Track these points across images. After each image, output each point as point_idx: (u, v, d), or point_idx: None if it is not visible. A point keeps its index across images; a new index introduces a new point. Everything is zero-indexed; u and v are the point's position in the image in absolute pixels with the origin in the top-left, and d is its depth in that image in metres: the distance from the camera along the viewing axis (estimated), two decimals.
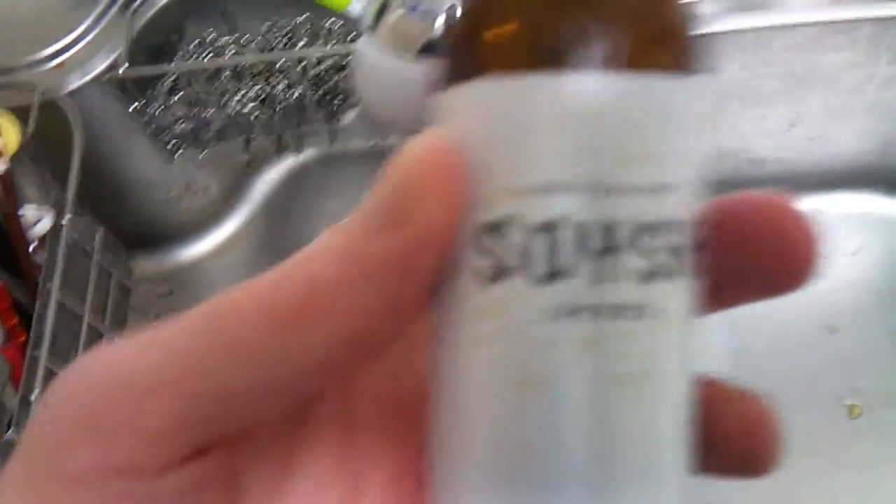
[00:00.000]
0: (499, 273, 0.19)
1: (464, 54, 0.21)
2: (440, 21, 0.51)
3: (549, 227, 0.19)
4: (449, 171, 0.19)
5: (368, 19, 0.49)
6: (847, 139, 0.79)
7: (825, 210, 0.83)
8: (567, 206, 0.19)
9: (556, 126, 0.19)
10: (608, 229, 0.19)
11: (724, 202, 0.21)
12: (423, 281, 0.19)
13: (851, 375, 0.74)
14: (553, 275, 0.19)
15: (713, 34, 0.70)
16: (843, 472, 0.70)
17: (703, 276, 0.21)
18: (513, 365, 0.20)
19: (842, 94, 0.75)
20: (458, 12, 0.22)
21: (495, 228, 0.19)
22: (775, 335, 0.77)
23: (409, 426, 0.23)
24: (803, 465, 0.70)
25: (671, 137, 0.20)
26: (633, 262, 0.19)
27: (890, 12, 0.67)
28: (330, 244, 0.19)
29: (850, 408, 0.72)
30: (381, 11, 0.48)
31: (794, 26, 0.69)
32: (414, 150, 0.19)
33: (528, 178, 0.19)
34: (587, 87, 0.19)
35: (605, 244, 0.19)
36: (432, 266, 0.19)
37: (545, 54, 0.19)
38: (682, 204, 0.20)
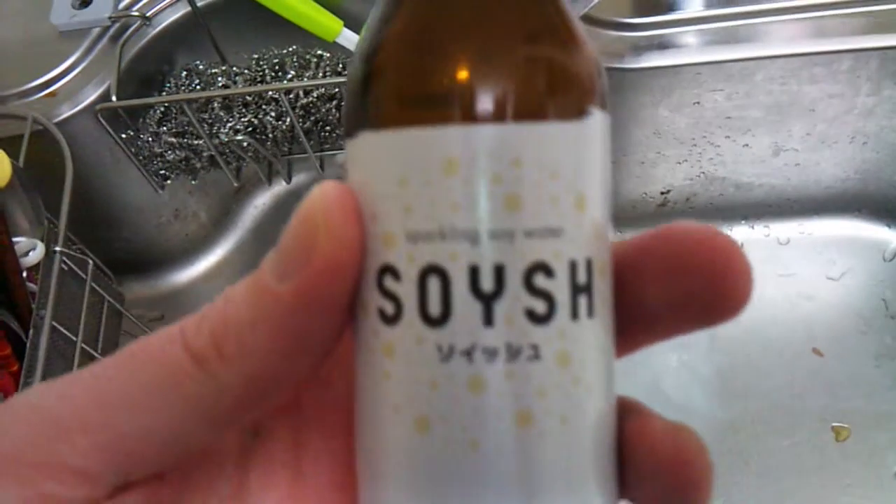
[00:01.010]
0: (397, 314, 0.20)
1: (354, 107, 0.22)
2: None
3: (440, 271, 0.20)
4: (344, 214, 0.20)
5: None
6: (830, 166, 0.80)
7: (809, 234, 0.84)
8: (456, 251, 0.20)
9: (443, 175, 0.20)
10: (498, 272, 0.20)
11: (655, 233, 0.22)
12: (331, 317, 0.20)
13: (837, 398, 0.75)
14: (445, 316, 0.20)
15: (697, 64, 0.71)
16: (831, 495, 0.70)
17: (628, 311, 0.22)
18: (410, 403, 0.20)
19: (824, 123, 0.76)
20: (348, 81, 0.23)
21: (393, 271, 0.20)
22: (760, 357, 0.77)
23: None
24: (789, 485, 0.71)
25: (560, 182, 0.20)
26: (526, 303, 0.20)
27: (869, 44, 0.68)
28: (243, 285, 0.21)
29: (837, 430, 0.73)
30: None
31: (777, 58, 0.70)
32: (314, 197, 0.20)
33: (420, 224, 0.20)
34: (471, 137, 0.20)
35: (495, 286, 0.20)
36: (337, 302, 0.20)
37: (423, 108, 0.20)
38: (579, 245, 0.20)
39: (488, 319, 0.20)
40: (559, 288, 0.20)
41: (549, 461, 0.20)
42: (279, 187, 0.91)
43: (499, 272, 0.20)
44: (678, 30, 0.72)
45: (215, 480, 0.23)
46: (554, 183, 0.20)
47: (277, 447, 0.24)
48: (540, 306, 0.20)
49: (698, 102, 0.74)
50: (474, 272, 0.20)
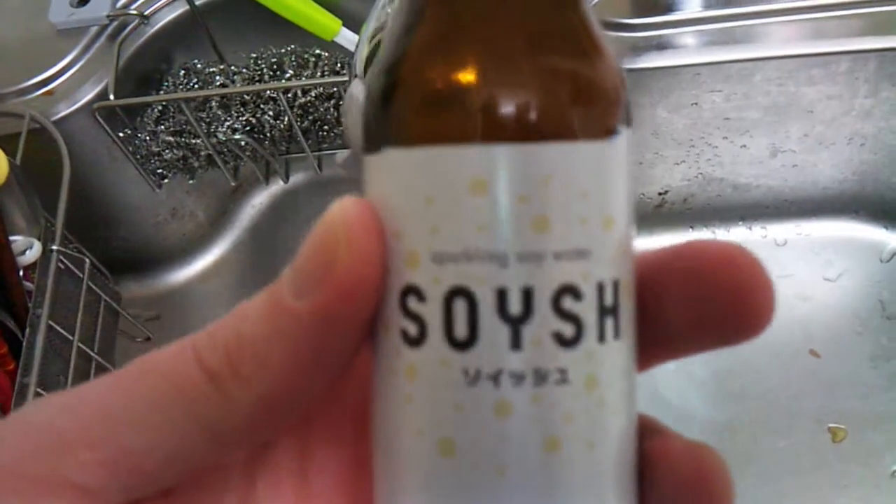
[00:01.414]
0: (421, 335, 0.20)
1: (377, 122, 0.21)
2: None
3: (466, 293, 0.19)
4: (366, 230, 0.20)
5: (359, 66, 0.49)
6: (827, 167, 0.80)
7: (807, 236, 0.84)
8: (484, 273, 0.19)
9: (470, 194, 0.19)
10: (526, 294, 0.19)
11: (677, 249, 0.21)
12: (349, 335, 0.20)
13: (834, 399, 0.75)
14: (471, 340, 0.19)
15: (696, 66, 0.71)
16: (828, 496, 0.70)
17: (649, 329, 0.22)
18: (433, 427, 0.20)
19: (822, 124, 0.76)
20: (369, 93, 0.22)
21: (417, 292, 0.20)
22: (757, 359, 0.77)
23: (364, 473, 0.24)
24: (786, 486, 0.71)
25: (589, 202, 0.20)
26: (554, 326, 0.19)
27: (868, 46, 0.68)
28: (259, 301, 0.20)
29: (833, 431, 0.73)
30: (372, 57, 0.49)
31: (776, 59, 0.70)
32: (335, 212, 0.19)
33: (447, 245, 0.19)
34: (499, 157, 0.19)
35: (523, 309, 0.19)
36: (357, 320, 0.20)
37: (450, 127, 0.20)
38: (606, 266, 0.20)
39: (516, 343, 0.19)
40: (587, 310, 0.20)
41: (575, 487, 0.20)
42: (277, 187, 0.90)
43: (527, 295, 0.19)
44: (677, 30, 0.72)
45: (221, 492, 0.23)
46: (583, 203, 0.20)
47: (284, 457, 0.24)
48: (568, 329, 0.20)
49: (696, 103, 0.74)
50: (502, 295, 0.19)
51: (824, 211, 0.84)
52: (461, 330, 0.19)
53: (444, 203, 0.19)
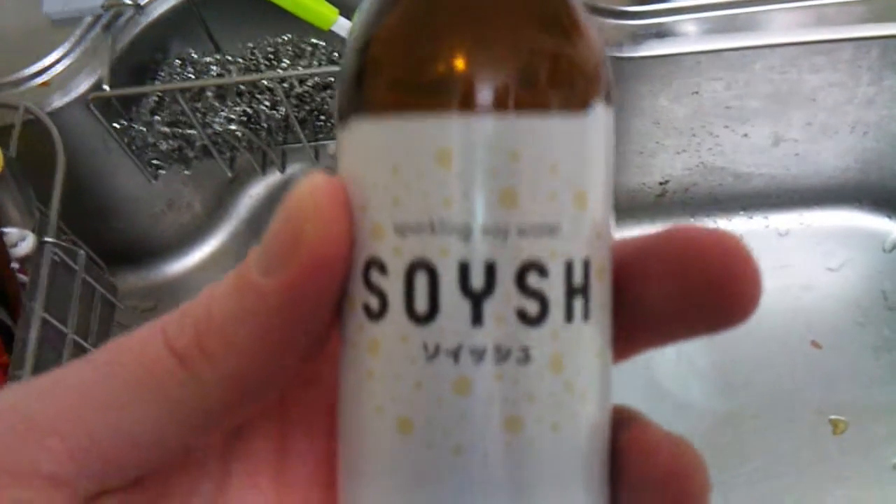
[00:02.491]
0: (382, 309, 0.19)
1: (348, 94, 0.21)
2: None
3: (428, 266, 0.19)
4: (333, 206, 0.19)
5: None
6: (829, 156, 0.80)
7: (808, 225, 0.83)
8: (446, 245, 0.19)
9: (436, 166, 0.19)
10: (489, 269, 0.19)
11: (660, 234, 0.21)
12: (319, 313, 0.20)
13: (835, 390, 0.74)
14: (431, 314, 0.19)
15: (697, 53, 0.71)
16: (829, 487, 0.70)
17: (634, 314, 0.21)
18: (393, 403, 0.20)
19: (824, 112, 0.75)
20: (342, 67, 0.22)
21: (380, 264, 0.19)
22: (758, 350, 0.77)
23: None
24: (787, 478, 0.70)
25: (560, 178, 0.19)
26: (518, 303, 0.19)
27: (870, 33, 0.68)
28: (227, 280, 0.20)
29: (835, 423, 0.73)
30: None
31: (777, 47, 0.69)
32: (302, 188, 0.19)
33: (409, 216, 0.19)
34: (467, 128, 0.19)
35: (485, 284, 0.19)
36: (325, 298, 0.20)
37: (419, 96, 0.19)
38: (576, 244, 0.20)
39: (477, 318, 0.19)
40: (553, 288, 0.19)
41: (538, 470, 0.19)
42: (273, 177, 0.90)
43: (490, 270, 0.19)
44: (677, 18, 0.71)
45: (197, 480, 0.22)
46: (553, 179, 0.19)
47: (261, 445, 0.24)
48: (532, 307, 0.19)
49: (697, 92, 0.74)
50: (464, 269, 0.19)
51: (827, 200, 0.83)
52: (421, 304, 0.19)
53: (408, 173, 0.19)
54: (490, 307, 0.19)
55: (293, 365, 0.20)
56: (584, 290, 0.20)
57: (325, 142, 0.82)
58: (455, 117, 0.19)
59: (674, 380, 0.76)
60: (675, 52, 0.71)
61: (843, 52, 0.69)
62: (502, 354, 0.19)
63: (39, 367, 0.63)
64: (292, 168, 0.88)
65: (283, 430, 0.24)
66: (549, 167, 0.19)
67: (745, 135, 0.78)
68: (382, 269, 0.19)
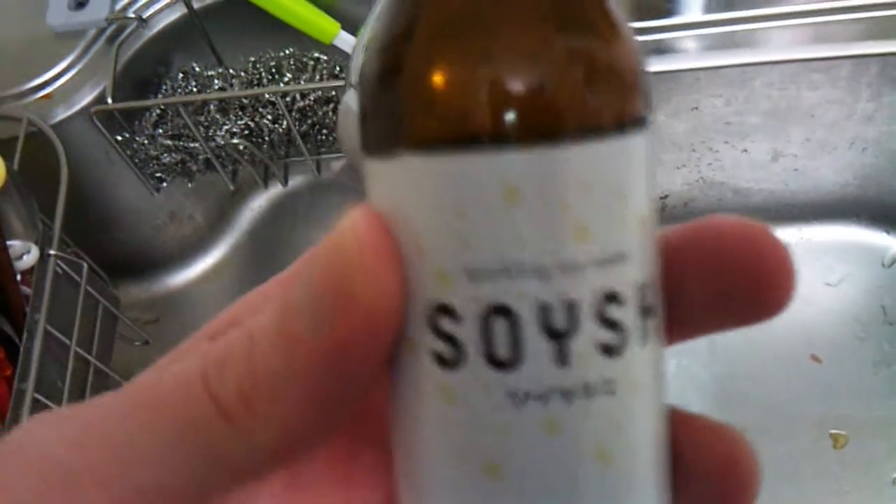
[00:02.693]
0: (458, 357, 0.18)
1: (390, 123, 0.19)
2: None
3: (507, 310, 0.18)
4: (382, 252, 0.18)
5: (354, 75, 0.49)
6: (828, 172, 0.80)
7: (808, 240, 0.83)
8: (524, 288, 0.18)
9: (505, 205, 0.18)
10: (570, 307, 0.18)
11: (694, 226, 0.20)
12: (369, 363, 0.19)
13: (835, 405, 0.74)
14: (515, 359, 0.18)
15: (697, 70, 0.71)
16: (828, 502, 0.70)
17: (666, 307, 0.21)
18: (478, 450, 0.19)
19: (823, 128, 0.75)
20: (366, 81, 0.20)
21: (450, 311, 0.18)
22: (759, 364, 0.77)
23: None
24: (786, 493, 0.70)
25: (627, 203, 0.19)
26: (599, 337, 0.18)
27: (869, 50, 0.68)
28: (270, 330, 0.19)
29: (835, 438, 0.73)
30: None
31: (776, 63, 0.69)
32: (345, 234, 0.18)
33: (483, 261, 0.18)
34: (535, 162, 0.18)
35: (567, 323, 0.18)
36: (379, 349, 0.18)
37: (485, 131, 0.18)
38: (643, 266, 0.19)
39: (563, 359, 0.18)
40: (629, 315, 0.19)
41: (625, 493, 0.19)
42: (276, 190, 0.90)
43: (571, 308, 0.18)
44: (677, 34, 0.71)
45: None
46: (621, 204, 0.18)
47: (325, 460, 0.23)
48: (613, 338, 0.19)
49: (697, 108, 0.74)
50: (545, 310, 0.18)
51: (826, 215, 0.83)
52: (503, 350, 0.18)
53: (477, 215, 0.18)
54: (574, 346, 0.18)
55: (342, 414, 0.20)
56: (653, 310, 0.20)
57: (327, 156, 0.82)
58: (526, 152, 0.18)
59: (674, 393, 0.76)
60: (675, 69, 0.71)
61: (842, 69, 0.70)
62: (589, 391, 0.18)
63: (43, 379, 0.63)
64: (294, 181, 0.88)
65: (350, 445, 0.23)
66: (619, 193, 0.18)
67: (745, 150, 0.78)
68: (454, 315, 0.18)
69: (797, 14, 0.70)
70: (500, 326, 0.18)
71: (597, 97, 0.18)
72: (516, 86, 0.18)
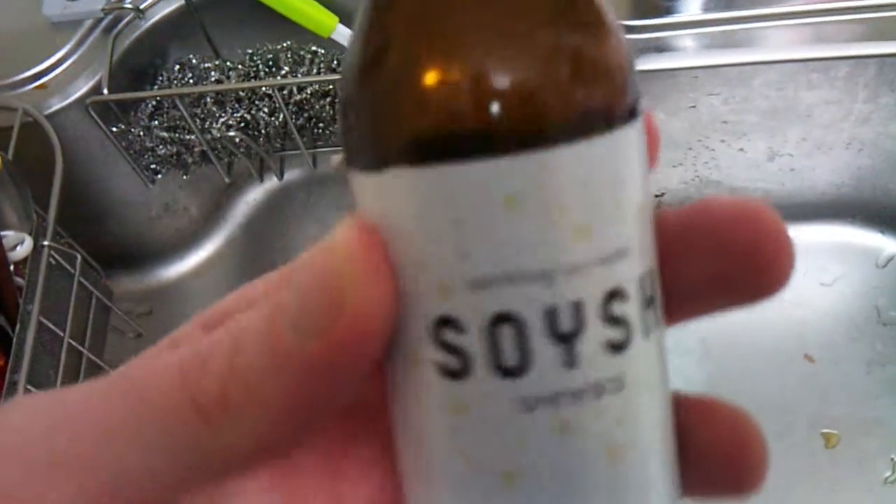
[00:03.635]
0: (465, 368, 0.18)
1: (379, 136, 0.19)
2: None
3: (512, 318, 0.18)
4: (375, 267, 0.18)
5: None
6: (824, 172, 0.80)
7: (802, 240, 0.83)
8: (529, 293, 0.18)
9: (504, 212, 0.17)
10: (576, 309, 0.18)
11: (693, 207, 0.20)
12: (357, 376, 0.19)
13: (827, 404, 0.74)
14: (523, 366, 0.18)
15: (695, 69, 0.71)
16: (820, 501, 0.70)
17: (665, 289, 0.21)
18: (492, 459, 0.19)
19: (819, 129, 0.76)
20: (349, 97, 0.20)
21: (453, 322, 0.18)
22: (751, 362, 0.77)
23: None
24: (778, 491, 0.70)
25: (625, 196, 0.18)
26: (605, 335, 0.18)
27: (867, 51, 0.68)
28: (257, 334, 0.19)
29: (827, 437, 0.73)
30: None
31: (775, 63, 0.70)
32: (337, 245, 0.18)
33: (484, 270, 0.18)
34: (533, 166, 0.17)
35: (574, 325, 0.18)
36: (366, 360, 0.18)
37: (478, 140, 0.18)
38: (643, 258, 0.19)
39: (571, 361, 0.18)
40: (632, 309, 0.19)
41: (638, 486, 0.19)
42: (271, 183, 0.90)
43: (577, 309, 0.18)
44: (676, 33, 0.71)
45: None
46: (618, 199, 0.18)
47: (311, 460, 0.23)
48: (618, 334, 0.18)
49: (694, 106, 0.74)
50: (551, 314, 0.18)
51: (821, 216, 0.84)
52: (511, 357, 0.18)
53: (475, 225, 0.18)
54: (582, 347, 0.18)
55: (324, 421, 0.20)
56: (654, 299, 0.19)
57: (324, 149, 0.82)
58: (520, 158, 0.17)
59: None
60: (672, 67, 0.71)
61: (839, 70, 0.70)
62: (599, 390, 0.18)
63: (36, 370, 0.62)
64: (290, 175, 0.88)
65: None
66: (617, 189, 0.18)
67: (741, 149, 0.78)
68: (458, 326, 0.18)
69: (796, 14, 0.70)
70: (506, 334, 0.18)
71: (588, 97, 0.18)
72: (506, 93, 0.17)
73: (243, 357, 0.18)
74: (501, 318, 0.18)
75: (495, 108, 0.17)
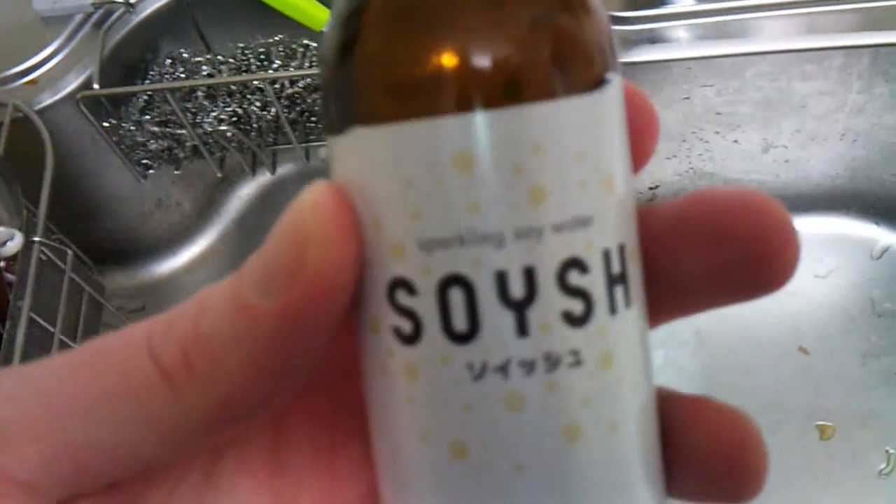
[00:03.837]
0: (417, 332, 0.18)
1: (339, 100, 0.19)
2: None
3: (462, 281, 0.18)
4: (339, 223, 0.18)
5: None
6: (819, 163, 0.80)
7: (798, 231, 0.83)
8: (479, 256, 0.18)
9: (455, 172, 0.17)
10: (529, 275, 0.18)
11: (691, 198, 0.20)
12: (319, 337, 0.18)
13: (822, 396, 0.74)
14: (473, 331, 0.18)
15: (689, 60, 0.71)
16: (815, 493, 0.70)
17: (662, 284, 0.20)
18: (442, 429, 0.18)
19: (814, 120, 0.75)
20: (322, 62, 0.20)
21: (407, 284, 0.18)
22: (746, 355, 0.77)
23: (341, 453, 0.23)
24: (773, 483, 0.70)
25: (586, 163, 0.18)
26: (562, 305, 0.18)
27: (861, 41, 0.68)
28: (220, 294, 0.18)
29: (822, 429, 0.73)
30: None
31: (768, 54, 0.69)
32: (304, 202, 0.18)
33: (434, 230, 0.18)
34: (483, 126, 0.17)
35: (526, 291, 0.18)
36: (328, 321, 0.18)
37: (427, 98, 0.18)
38: (610, 231, 0.19)
39: (522, 329, 0.18)
40: (595, 283, 0.18)
41: (599, 474, 0.19)
42: (263, 178, 0.90)
43: (529, 275, 0.18)
44: (669, 24, 0.71)
45: (182, 474, 0.21)
46: (580, 166, 0.18)
47: (255, 429, 0.23)
48: (577, 307, 0.18)
49: (688, 98, 0.74)
50: (502, 278, 0.18)
51: (815, 207, 0.84)
52: (460, 322, 0.18)
53: (426, 184, 0.18)
54: (534, 314, 0.18)
55: (288, 387, 0.19)
56: (624, 277, 0.19)
57: (316, 143, 0.82)
58: (469, 116, 0.17)
59: (660, 383, 0.76)
60: (666, 59, 0.71)
61: (833, 60, 0.70)
62: (553, 362, 0.18)
63: None
64: (283, 169, 0.88)
65: (279, 421, 0.23)
66: (575, 155, 0.18)
67: (735, 141, 0.78)
68: (410, 289, 0.18)
69: (789, 4, 0.69)
70: (456, 297, 0.18)
71: (538, 56, 0.18)
72: (451, 49, 0.17)
73: (207, 318, 0.18)
74: (452, 281, 0.18)
75: (439, 64, 0.17)
